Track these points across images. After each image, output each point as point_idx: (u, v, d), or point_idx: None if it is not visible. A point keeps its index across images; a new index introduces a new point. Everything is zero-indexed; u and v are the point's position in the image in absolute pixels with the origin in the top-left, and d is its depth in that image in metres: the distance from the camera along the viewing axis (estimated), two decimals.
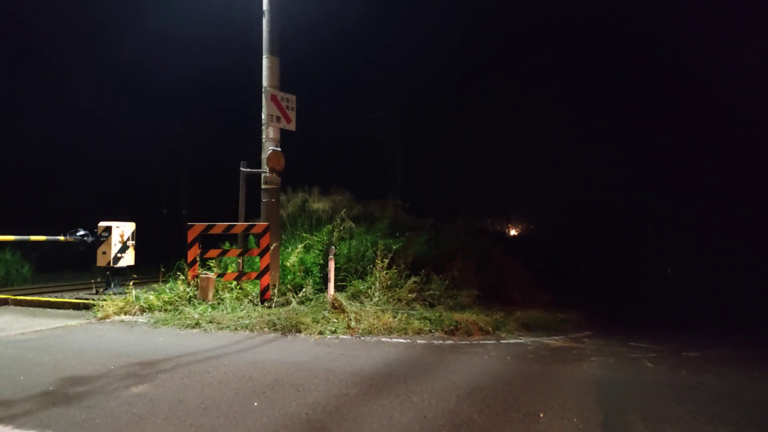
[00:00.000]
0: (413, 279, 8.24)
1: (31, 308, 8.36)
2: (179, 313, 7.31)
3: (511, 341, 6.18)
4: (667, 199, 18.95)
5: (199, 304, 7.68)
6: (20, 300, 8.69)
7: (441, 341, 6.09)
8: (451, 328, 6.48)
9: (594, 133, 20.18)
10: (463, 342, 6.07)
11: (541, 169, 18.89)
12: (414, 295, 7.95)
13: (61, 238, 9.41)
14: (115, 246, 9.32)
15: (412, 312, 7.31)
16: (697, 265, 15.81)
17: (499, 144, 19.89)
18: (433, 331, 6.51)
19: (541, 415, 3.67)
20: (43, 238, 9.26)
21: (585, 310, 8.35)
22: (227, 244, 9.85)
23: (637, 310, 10.37)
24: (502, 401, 3.94)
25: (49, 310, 8.18)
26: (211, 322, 6.83)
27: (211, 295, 7.89)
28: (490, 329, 6.56)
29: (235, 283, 8.38)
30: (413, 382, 4.39)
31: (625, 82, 19.65)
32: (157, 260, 12.66)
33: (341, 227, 9.64)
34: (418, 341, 6.07)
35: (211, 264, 8.65)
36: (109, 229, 9.33)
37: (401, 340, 6.10)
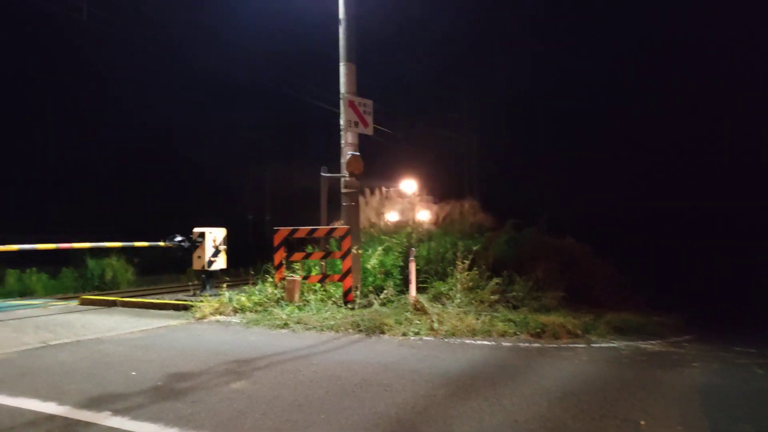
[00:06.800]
0: (495, 280, 8.10)
1: (137, 309, 9.06)
2: (268, 314, 7.63)
3: (603, 345, 5.92)
4: None
5: (286, 305, 7.98)
6: (127, 302, 9.45)
7: (527, 344, 5.95)
8: (537, 330, 6.31)
9: (687, 124, 18.90)
10: (551, 345, 5.89)
11: (630, 165, 17.91)
12: (496, 297, 7.82)
13: (161, 243, 10.13)
14: (209, 250, 9.90)
15: (495, 314, 7.19)
16: None
17: (581, 139, 19.11)
18: (518, 333, 6.36)
19: (642, 422, 3.49)
20: (145, 244, 10.02)
21: (683, 312, 7.83)
22: (309, 247, 10.17)
23: (742, 312, 9.57)
24: (597, 407, 3.79)
25: (152, 311, 8.83)
26: (298, 322, 7.08)
27: (297, 296, 8.18)
28: (579, 332, 6.32)
29: (319, 285, 8.64)
30: (501, 385, 4.33)
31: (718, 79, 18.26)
32: (245, 263, 13.30)
33: (420, 229, 9.67)
34: (503, 344, 5.96)
35: (296, 267, 8.97)
36: (203, 235, 9.93)
37: (486, 343, 6.03)
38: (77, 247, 9.21)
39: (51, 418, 3.66)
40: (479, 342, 6.06)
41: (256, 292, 8.63)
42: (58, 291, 13.77)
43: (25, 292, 13.59)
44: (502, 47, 19.95)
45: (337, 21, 9.52)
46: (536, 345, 5.90)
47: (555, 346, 5.86)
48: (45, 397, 4.05)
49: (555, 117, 19.95)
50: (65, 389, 4.28)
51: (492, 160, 20.36)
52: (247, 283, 9.95)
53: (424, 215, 12.24)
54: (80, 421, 3.59)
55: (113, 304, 9.48)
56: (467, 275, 8.14)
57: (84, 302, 9.84)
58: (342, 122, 9.26)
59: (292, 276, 8.45)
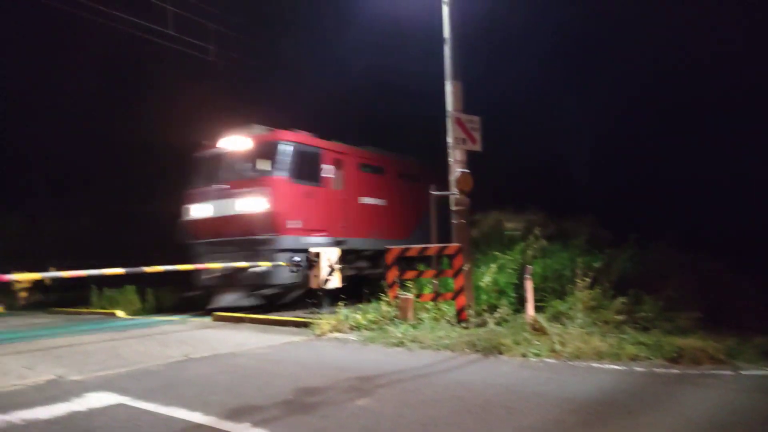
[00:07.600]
0: (620, 299, 7.58)
1: (262, 326, 9.65)
2: (384, 332, 7.76)
3: (754, 372, 5.29)
4: None
5: (400, 323, 8.07)
6: (253, 318, 10.10)
7: (664, 369, 5.48)
8: (674, 355, 5.78)
9: None
10: (691, 371, 5.38)
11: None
12: (622, 317, 7.29)
13: (282, 263, 10.75)
14: (324, 269, 10.33)
15: (622, 336, 6.71)
16: None
17: (714, 140, 17.33)
18: (651, 357, 5.88)
19: None
20: (268, 264, 10.68)
21: None
22: (420, 266, 10.22)
23: None
24: None
25: (276, 327, 9.36)
26: (413, 341, 7.13)
27: (410, 315, 8.25)
28: (723, 357, 5.69)
29: (431, 303, 8.65)
30: (639, 414, 4.02)
31: None
32: (358, 281, 13.65)
33: (534, 246, 9.36)
34: (636, 368, 5.54)
35: (409, 285, 9.06)
36: (318, 255, 10.39)
37: (615, 367, 5.65)
38: (210, 267, 10.05)
39: (199, 427, 3.99)
40: (607, 366, 5.70)
41: (371, 310, 8.83)
42: (189, 308, 15.07)
43: (161, 309, 15.03)
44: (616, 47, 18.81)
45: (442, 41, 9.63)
46: (674, 371, 5.42)
47: (696, 372, 5.34)
48: (192, 407, 4.43)
49: (676, 121, 18.35)
50: (208, 400, 4.65)
51: (612, 174, 19.14)
52: (360, 301, 10.23)
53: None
54: (224, 431, 3.87)
55: (241, 320, 10.18)
56: (588, 294, 7.72)
57: (216, 319, 10.66)
58: (450, 140, 9.26)
59: (405, 294, 8.56)
